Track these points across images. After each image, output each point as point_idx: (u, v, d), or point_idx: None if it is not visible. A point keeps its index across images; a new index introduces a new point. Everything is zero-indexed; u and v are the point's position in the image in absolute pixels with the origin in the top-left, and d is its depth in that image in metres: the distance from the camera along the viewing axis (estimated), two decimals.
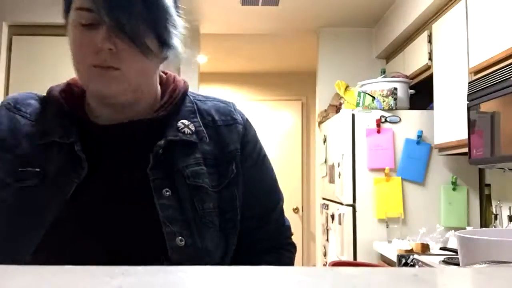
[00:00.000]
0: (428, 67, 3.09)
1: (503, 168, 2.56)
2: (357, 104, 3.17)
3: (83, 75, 0.89)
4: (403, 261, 2.51)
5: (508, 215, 2.57)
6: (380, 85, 3.19)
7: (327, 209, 3.59)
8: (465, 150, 2.48)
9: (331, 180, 3.44)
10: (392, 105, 3.10)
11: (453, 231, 2.70)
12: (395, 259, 2.57)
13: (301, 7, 3.77)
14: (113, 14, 0.82)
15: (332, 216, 3.38)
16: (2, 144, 0.89)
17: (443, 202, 2.98)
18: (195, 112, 0.96)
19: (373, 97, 3.13)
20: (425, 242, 2.64)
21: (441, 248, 2.65)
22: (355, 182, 3.09)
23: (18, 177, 0.86)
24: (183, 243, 0.85)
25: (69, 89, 0.97)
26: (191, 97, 1.00)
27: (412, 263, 2.48)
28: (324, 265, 3.61)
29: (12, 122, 0.91)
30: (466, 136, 2.44)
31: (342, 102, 3.43)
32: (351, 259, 3.03)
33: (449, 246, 2.62)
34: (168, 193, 0.86)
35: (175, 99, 0.95)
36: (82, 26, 0.89)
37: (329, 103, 3.88)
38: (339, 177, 3.19)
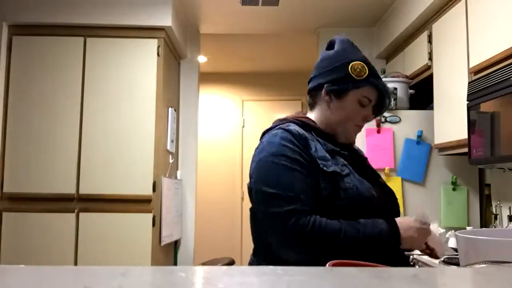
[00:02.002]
0: (428, 67, 3.09)
1: (503, 168, 2.56)
2: None
3: (347, 129, 1.47)
4: None
5: (508, 215, 2.57)
6: None
7: None
8: (465, 150, 2.48)
9: None
10: (392, 105, 3.10)
11: (453, 231, 2.70)
12: None
13: (301, 7, 3.77)
14: (386, 108, 1.54)
15: None
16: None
17: (443, 202, 2.98)
18: None
19: None
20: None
21: None
22: None
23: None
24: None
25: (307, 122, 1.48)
26: None
27: (412, 263, 2.47)
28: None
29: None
30: (466, 136, 2.44)
31: None
32: None
33: (449, 246, 2.62)
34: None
35: None
36: (359, 104, 1.45)
37: None
38: None
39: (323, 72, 1.46)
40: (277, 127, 1.41)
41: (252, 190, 1.37)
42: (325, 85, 1.44)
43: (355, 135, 1.50)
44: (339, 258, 1.12)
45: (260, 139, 1.44)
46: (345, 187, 1.31)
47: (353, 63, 1.44)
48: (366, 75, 1.44)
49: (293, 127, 1.38)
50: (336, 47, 1.51)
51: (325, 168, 1.32)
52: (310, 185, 1.30)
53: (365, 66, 1.46)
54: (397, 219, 1.33)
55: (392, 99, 3.11)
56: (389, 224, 1.29)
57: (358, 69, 1.44)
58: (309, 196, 1.28)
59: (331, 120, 1.45)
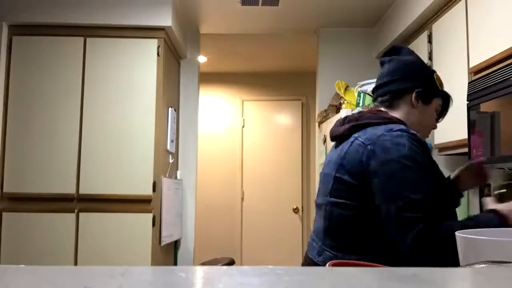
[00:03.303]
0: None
1: (503, 168, 2.56)
2: (357, 104, 3.16)
3: (424, 133, 1.60)
4: None
5: None
6: None
7: None
8: (465, 150, 2.48)
9: None
10: None
11: None
12: None
13: (301, 7, 3.77)
14: (443, 117, 1.69)
15: None
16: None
17: None
18: None
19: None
20: None
21: None
22: None
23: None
24: None
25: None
26: None
27: None
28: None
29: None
30: (466, 136, 2.44)
31: (342, 102, 3.43)
32: None
33: None
34: None
35: None
36: (435, 111, 1.61)
37: (329, 103, 3.88)
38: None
39: (412, 77, 1.57)
40: (389, 125, 1.44)
41: (379, 188, 1.36)
42: (416, 90, 1.55)
43: (426, 138, 1.60)
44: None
45: (355, 131, 1.48)
46: (447, 197, 1.48)
47: (436, 73, 1.61)
48: (443, 86, 1.63)
49: (412, 131, 1.43)
50: (414, 57, 1.63)
51: (444, 176, 1.48)
52: (439, 191, 1.37)
53: (440, 79, 1.63)
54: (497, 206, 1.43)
55: None
56: (495, 213, 1.36)
57: (439, 80, 1.62)
58: (440, 202, 1.35)
59: (414, 122, 1.54)
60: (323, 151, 3.77)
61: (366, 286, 0.50)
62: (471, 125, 2.38)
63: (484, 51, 2.35)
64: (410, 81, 1.56)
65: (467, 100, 2.41)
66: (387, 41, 3.77)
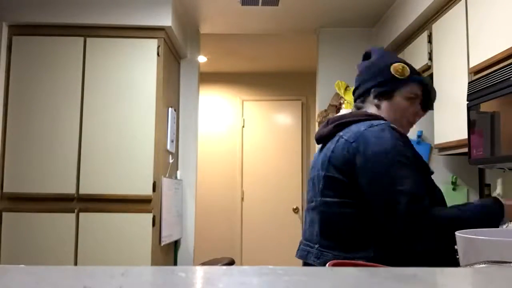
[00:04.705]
0: (428, 67, 3.08)
1: (503, 168, 2.56)
2: None
3: (404, 128, 1.59)
4: None
5: None
6: None
7: None
8: (465, 150, 2.48)
9: None
10: None
11: None
12: None
13: (301, 7, 3.77)
14: (433, 100, 1.66)
15: None
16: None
17: None
18: None
19: None
20: None
21: None
22: None
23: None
24: None
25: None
26: None
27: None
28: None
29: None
30: (466, 136, 2.44)
31: (342, 102, 3.43)
32: None
33: None
34: None
35: None
36: (407, 101, 1.58)
37: (329, 103, 3.88)
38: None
39: (368, 79, 1.59)
40: (370, 121, 1.48)
41: (367, 183, 1.39)
42: (372, 90, 1.57)
43: (408, 132, 1.62)
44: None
45: (339, 130, 1.51)
46: (434, 185, 1.50)
47: (393, 65, 1.57)
48: (408, 73, 1.57)
49: (392, 125, 1.46)
50: (374, 56, 1.64)
51: (430, 167, 1.50)
52: (425, 181, 1.43)
53: (405, 66, 1.58)
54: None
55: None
56: (494, 200, 1.44)
57: (400, 70, 1.57)
58: (426, 192, 1.39)
59: (388, 120, 1.54)
60: None
61: (366, 286, 0.50)
62: (471, 125, 2.38)
63: (484, 51, 2.35)
64: (367, 82, 1.59)
65: (467, 100, 2.40)
66: (387, 41, 3.77)
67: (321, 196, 1.48)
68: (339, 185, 1.44)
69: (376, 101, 1.57)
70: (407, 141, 1.46)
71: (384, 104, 1.57)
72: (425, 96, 1.61)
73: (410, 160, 1.41)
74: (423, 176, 1.44)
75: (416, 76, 1.59)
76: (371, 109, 1.59)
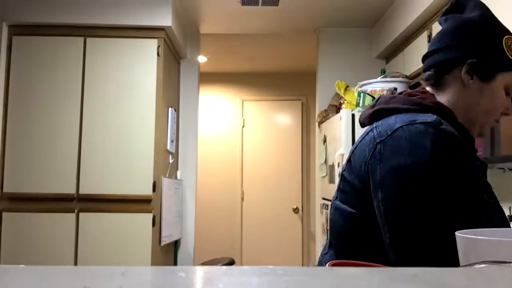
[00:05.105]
0: None
1: (503, 168, 2.56)
2: (357, 104, 3.16)
3: (487, 123, 1.16)
4: None
5: (508, 215, 2.56)
6: (380, 85, 3.18)
7: (327, 209, 3.59)
8: None
9: (331, 180, 3.44)
10: None
11: None
12: None
13: (301, 7, 3.77)
14: None
15: None
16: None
17: None
18: None
19: (373, 97, 3.13)
20: None
21: None
22: None
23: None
24: None
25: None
26: None
27: None
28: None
29: None
30: None
31: (342, 102, 3.43)
32: None
33: None
34: None
35: None
36: (505, 91, 1.12)
37: (329, 103, 3.88)
38: (339, 177, 3.18)
39: (466, 43, 1.12)
40: (416, 113, 1.06)
41: (380, 207, 1.04)
42: (468, 61, 1.10)
43: (481, 135, 1.19)
44: None
45: (377, 119, 1.11)
46: (497, 225, 1.08)
47: (507, 37, 1.13)
48: None
49: (445, 126, 1.04)
50: (474, 11, 1.18)
51: (485, 196, 1.09)
52: (463, 213, 1.01)
53: None
54: None
55: None
56: None
57: None
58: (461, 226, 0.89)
59: (464, 108, 1.12)
60: (323, 151, 3.76)
61: (366, 286, 0.50)
62: None
63: None
64: (463, 48, 1.12)
65: None
66: (387, 41, 3.77)
67: (335, 198, 1.19)
68: (353, 191, 1.12)
69: (466, 77, 1.11)
70: (459, 151, 1.03)
71: (475, 86, 1.11)
72: None
73: (451, 184, 1.00)
74: (461, 208, 1.01)
75: None
76: (450, 88, 1.14)
